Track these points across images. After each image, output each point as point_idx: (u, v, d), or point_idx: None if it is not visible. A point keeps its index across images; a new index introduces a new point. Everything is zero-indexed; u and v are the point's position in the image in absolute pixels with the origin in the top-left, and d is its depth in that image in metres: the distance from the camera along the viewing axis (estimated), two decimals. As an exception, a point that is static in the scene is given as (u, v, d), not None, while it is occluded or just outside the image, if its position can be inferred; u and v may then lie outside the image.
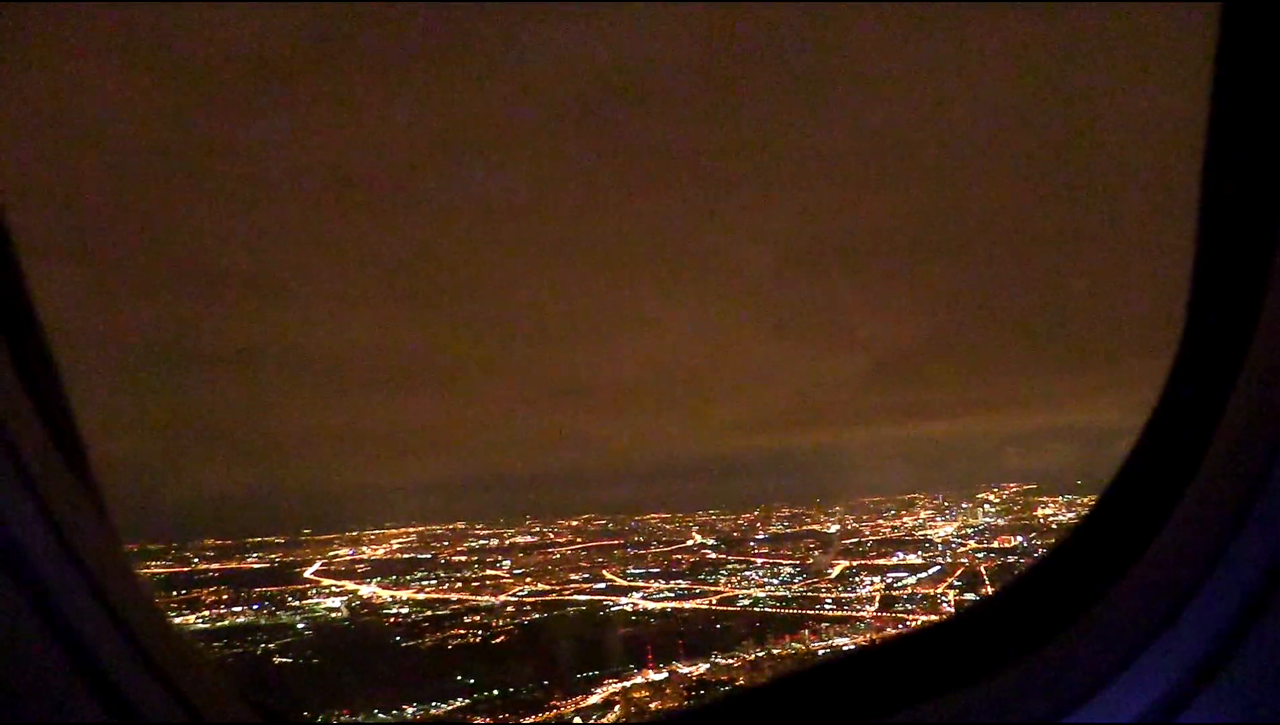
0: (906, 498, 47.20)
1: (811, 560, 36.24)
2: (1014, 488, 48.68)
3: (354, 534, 48.15)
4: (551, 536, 47.25)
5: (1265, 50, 1.33)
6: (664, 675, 25.36)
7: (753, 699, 1.68)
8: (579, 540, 45.29)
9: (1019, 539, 35.97)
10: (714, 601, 32.47)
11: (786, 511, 47.28)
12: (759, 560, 37.28)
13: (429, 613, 33.46)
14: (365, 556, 43.49)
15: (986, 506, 42.88)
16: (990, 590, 29.99)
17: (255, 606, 33.23)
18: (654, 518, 49.61)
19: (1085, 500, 42.69)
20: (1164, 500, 1.46)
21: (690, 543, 42.16)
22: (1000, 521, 40.23)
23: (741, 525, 45.32)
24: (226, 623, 30.76)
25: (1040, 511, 41.42)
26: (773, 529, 43.49)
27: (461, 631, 30.68)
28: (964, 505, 43.16)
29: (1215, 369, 1.42)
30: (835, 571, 34.36)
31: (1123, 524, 1.56)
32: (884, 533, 40.09)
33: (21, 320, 1.21)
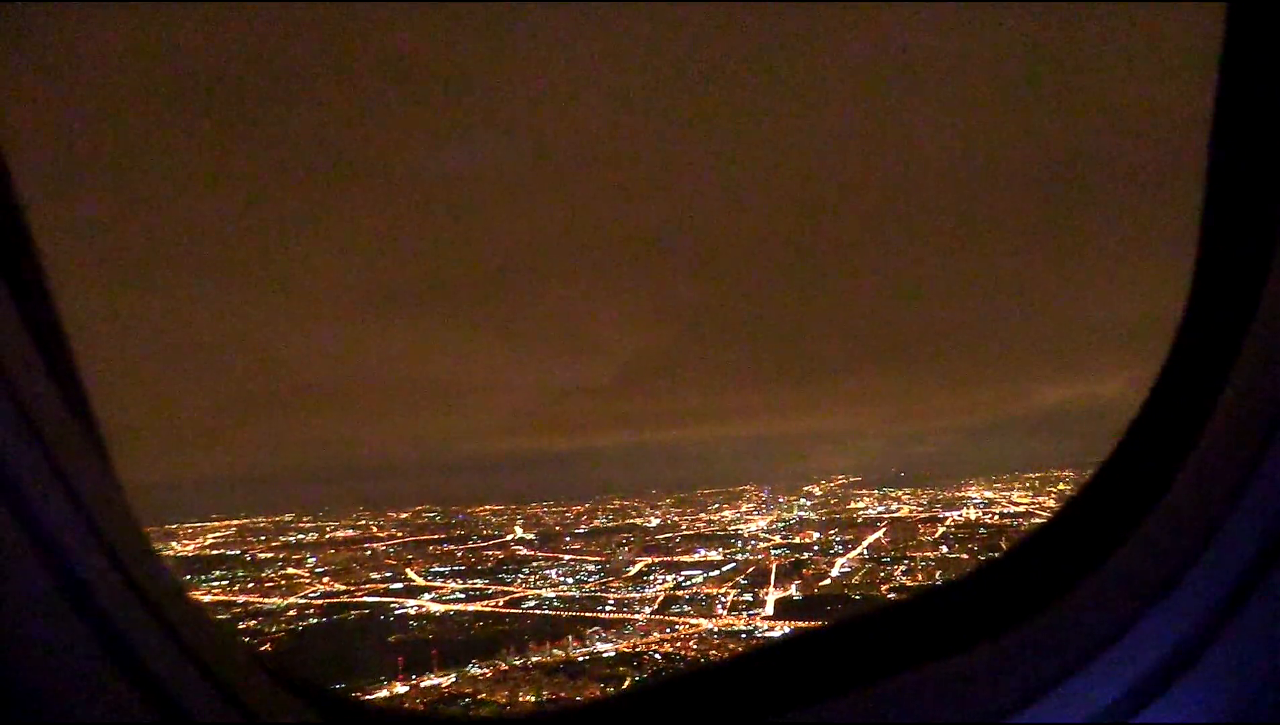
0: (737, 489, 47.52)
1: (619, 557, 35.85)
2: (841, 480, 49.66)
3: (173, 527, 45.55)
4: (375, 530, 45.63)
5: (1267, 49, 1.36)
6: (406, 689, 24.38)
7: (674, 689, 1.63)
8: (400, 534, 43.85)
9: (817, 535, 36.40)
10: (501, 603, 31.68)
11: (617, 503, 46.96)
12: (566, 557, 36.68)
13: (206, 618, 31.54)
14: (174, 553, 40.99)
15: (804, 500, 43.45)
16: (772, 589, 30.12)
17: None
18: (485, 510, 48.56)
19: (898, 493, 43.67)
20: (1160, 478, 1.46)
21: (510, 537, 41.29)
22: (812, 515, 40.73)
23: (568, 518, 44.69)
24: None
25: (854, 504, 42.18)
26: (597, 522, 43.00)
27: (229, 640, 28.96)
28: (780, 500, 43.64)
29: (1214, 350, 1.43)
30: (634, 569, 34.03)
31: (1117, 500, 1.54)
32: (699, 527, 40.09)
33: (23, 262, 1.17)
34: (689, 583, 31.76)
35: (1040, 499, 39.71)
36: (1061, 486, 41.79)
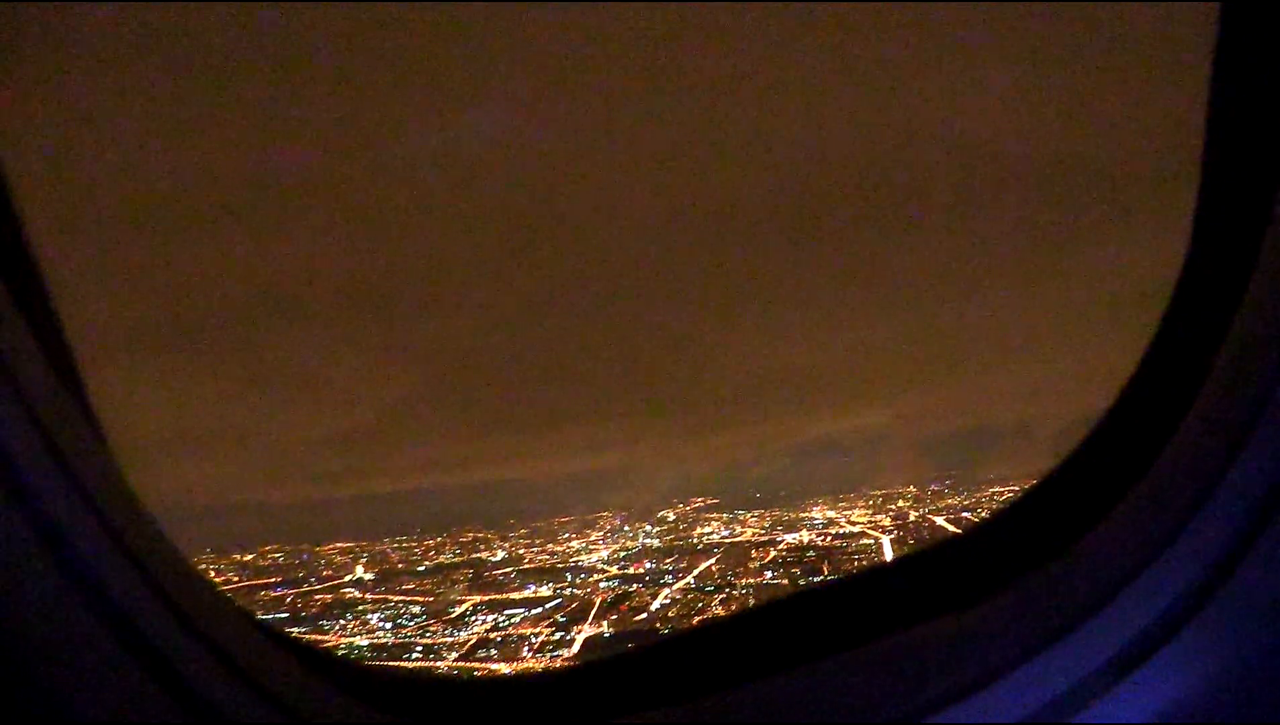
0: (592, 517, 47.05)
1: (448, 597, 34.91)
2: (697, 502, 49.68)
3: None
4: (212, 575, 43.57)
5: (1262, 48, 1.38)
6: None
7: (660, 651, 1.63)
8: (236, 579, 41.88)
9: (650, 564, 36.19)
10: (308, 654, 30.39)
11: (470, 536, 45.94)
12: (395, 599, 35.55)
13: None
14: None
15: (650, 527, 43.24)
16: (586, 626, 29.64)
17: None
18: (333, 548, 46.83)
19: (746, 516, 43.88)
20: (1163, 425, 1.44)
21: (348, 577, 39.84)
22: (656, 542, 40.53)
23: (416, 554, 43.47)
24: None
25: (701, 529, 42.16)
26: (442, 558, 41.91)
27: None
28: (626, 529, 43.36)
29: (1216, 296, 1.42)
30: (459, 610, 33.14)
31: (1121, 448, 1.54)
32: (542, 559, 39.44)
33: (13, 241, 1.17)
34: (507, 623, 31.07)
35: (878, 518, 40.40)
36: (900, 503, 42.68)
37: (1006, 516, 1.72)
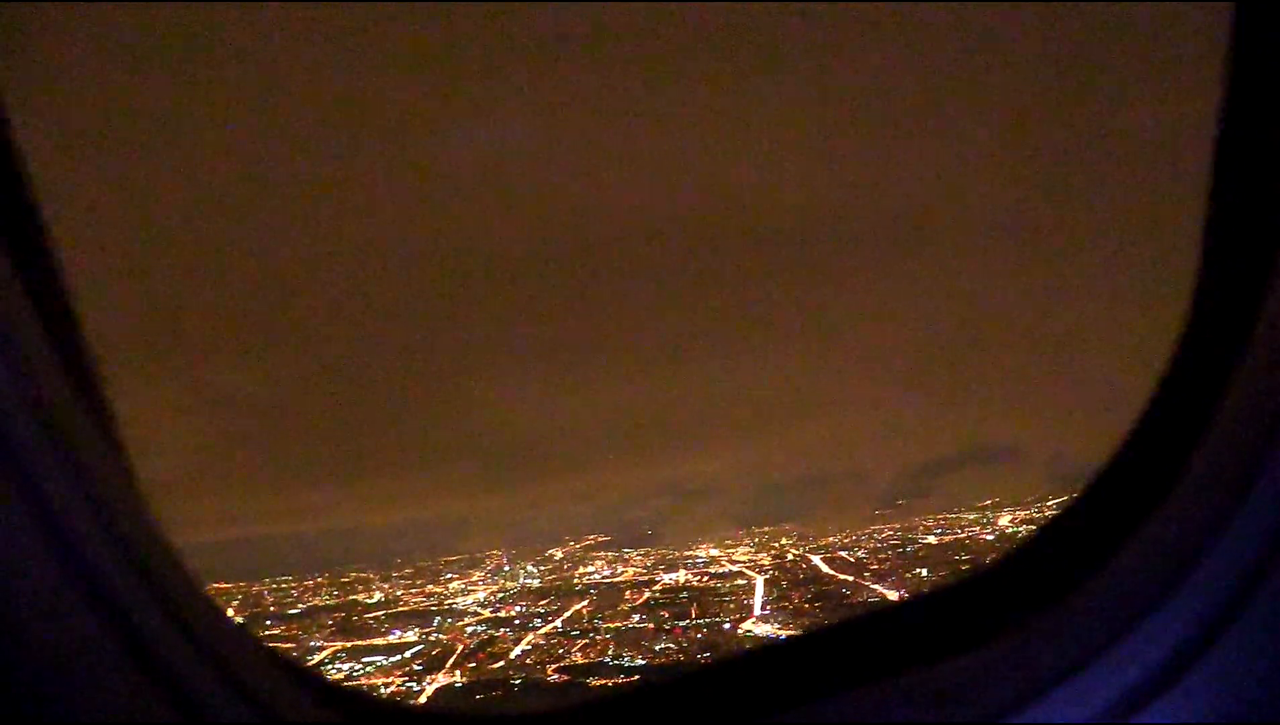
0: (481, 556, 46.41)
1: (309, 643, 33.90)
2: (591, 539, 49.46)
3: None
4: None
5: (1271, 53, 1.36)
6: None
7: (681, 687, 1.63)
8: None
9: (520, 607, 35.77)
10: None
11: (352, 576, 44.88)
12: (256, 645, 34.39)
13: None
14: None
15: (532, 568, 42.82)
16: (440, 675, 29.03)
17: None
18: (208, 589, 45.26)
19: (633, 554, 43.79)
20: (1163, 478, 1.44)
21: (216, 622, 38.44)
22: (536, 583, 40.12)
23: (293, 596, 42.22)
24: None
25: (584, 569, 41.90)
26: (317, 600, 40.77)
27: None
28: (506, 568, 42.91)
29: (1217, 352, 1.41)
30: (317, 658, 32.18)
31: (1120, 499, 1.53)
32: (417, 602, 38.66)
33: (21, 215, 1.14)
34: (362, 671, 30.27)
35: (760, 557, 40.72)
36: (784, 541, 43.14)
37: (1027, 549, 1.73)
